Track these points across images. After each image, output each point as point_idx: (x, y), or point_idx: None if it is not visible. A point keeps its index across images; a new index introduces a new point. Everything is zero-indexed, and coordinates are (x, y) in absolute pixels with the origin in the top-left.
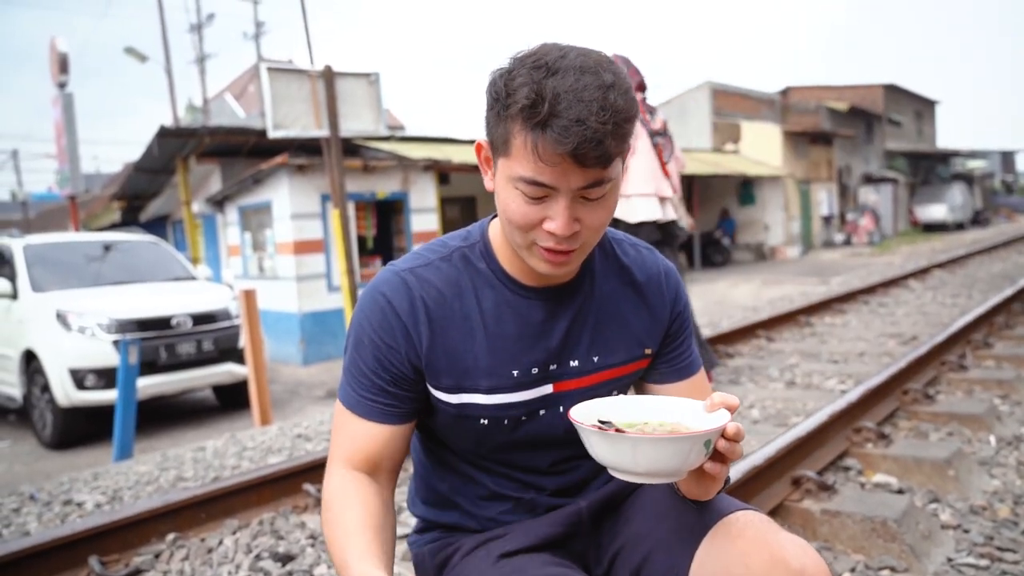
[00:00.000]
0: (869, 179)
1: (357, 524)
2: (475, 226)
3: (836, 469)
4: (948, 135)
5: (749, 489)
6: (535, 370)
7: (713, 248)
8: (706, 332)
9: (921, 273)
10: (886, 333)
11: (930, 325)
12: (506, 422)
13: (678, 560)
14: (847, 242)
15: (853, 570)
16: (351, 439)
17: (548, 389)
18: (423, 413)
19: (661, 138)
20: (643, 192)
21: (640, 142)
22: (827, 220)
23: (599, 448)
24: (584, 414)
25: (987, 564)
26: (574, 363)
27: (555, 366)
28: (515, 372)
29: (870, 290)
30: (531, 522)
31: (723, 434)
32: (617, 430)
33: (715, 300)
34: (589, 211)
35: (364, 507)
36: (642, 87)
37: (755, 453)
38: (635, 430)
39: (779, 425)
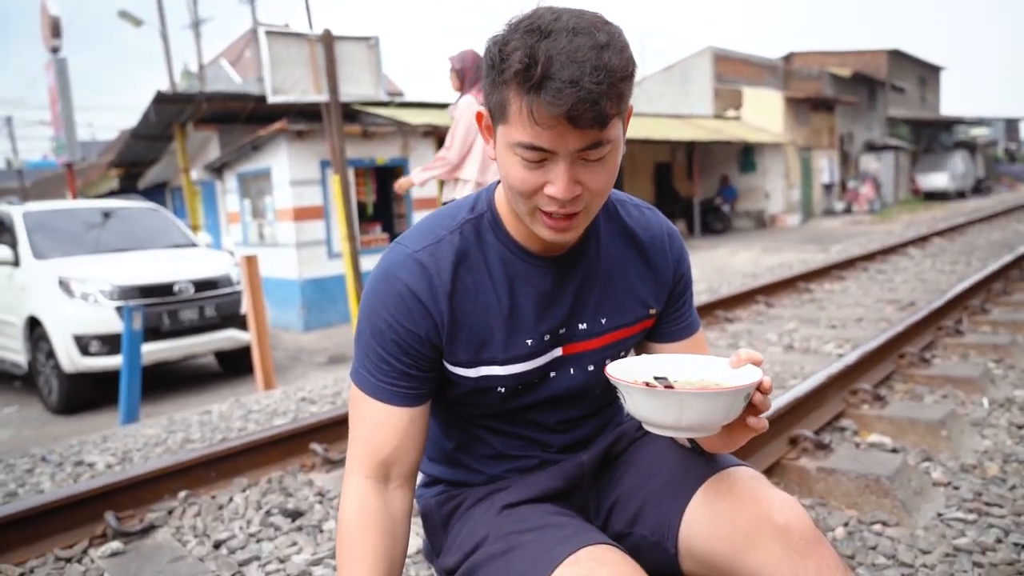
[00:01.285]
0: (871, 147)
1: (368, 558)
2: (481, 193)
3: (832, 429)
4: (952, 102)
5: (747, 448)
6: (547, 336)
7: (713, 215)
8: (705, 298)
9: (920, 241)
10: (884, 299)
11: (928, 292)
12: (520, 387)
13: (670, 513)
14: (847, 210)
15: (846, 524)
16: (371, 430)
17: (558, 352)
18: (439, 387)
19: None
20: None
21: (460, 127)
22: (828, 188)
23: (643, 404)
24: (624, 372)
25: (975, 519)
26: (583, 326)
27: (564, 330)
28: (529, 341)
29: (869, 257)
30: (534, 475)
31: (759, 387)
32: (667, 386)
33: (715, 267)
34: (590, 173)
35: (376, 550)
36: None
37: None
38: (680, 387)
39: (777, 387)
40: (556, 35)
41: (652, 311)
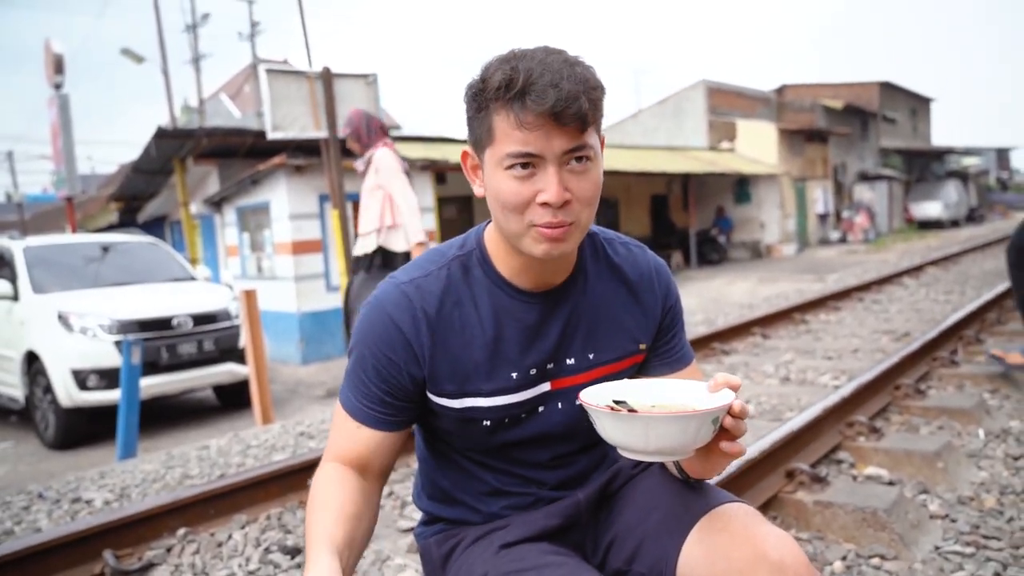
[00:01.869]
0: (864, 176)
1: (331, 510)
2: (471, 233)
3: (829, 462)
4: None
5: (744, 481)
6: (533, 371)
7: (709, 246)
8: (702, 329)
9: (915, 270)
10: (880, 330)
11: (923, 322)
12: (507, 420)
13: (667, 550)
14: (843, 240)
15: (844, 558)
16: (347, 440)
17: (546, 387)
18: (424, 417)
19: (408, 176)
20: (406, 221)
21: (396, 179)
22: (823, 218)
23: (611, 429)
24: (594, 397)
25: (972, 552)
26: (570, 361)
27: (552, 365)
28: (514, 375)
29: (865, 287)
30: (531, 514)
31: (729, 411)
32: (630, 410)
33: (711, 298)
34: (577, 182)
35: (344, 496)
36: (385, 131)
37: (750, 446)
38: (645, 411)
39: (774, 420)
40: (530, 56)
41: (642, 346)
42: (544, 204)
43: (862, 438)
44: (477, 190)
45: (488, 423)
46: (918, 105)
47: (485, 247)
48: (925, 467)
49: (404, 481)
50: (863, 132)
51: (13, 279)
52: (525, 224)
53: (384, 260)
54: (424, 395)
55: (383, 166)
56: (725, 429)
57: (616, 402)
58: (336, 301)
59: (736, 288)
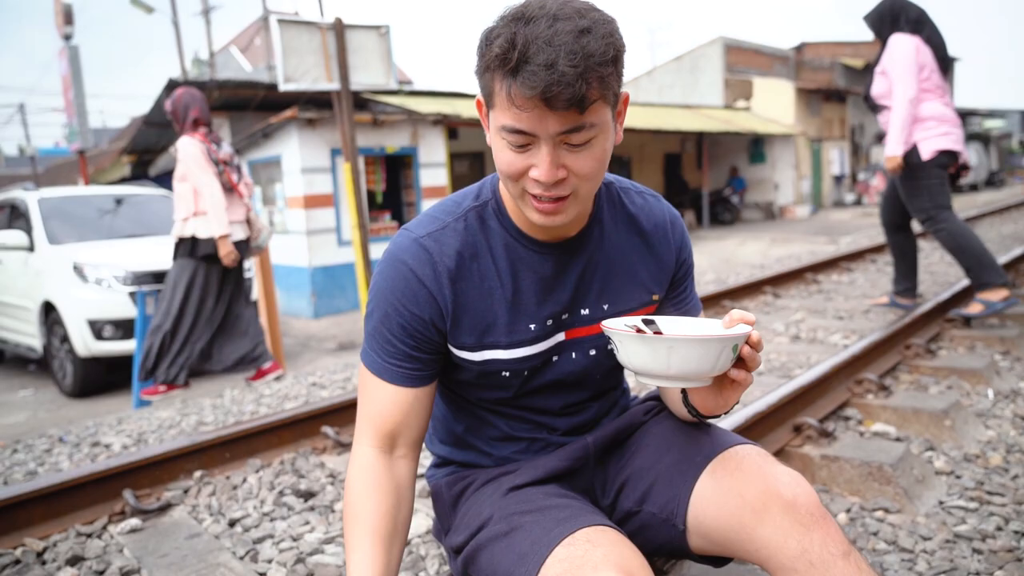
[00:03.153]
0: (881, 138)
1: (368, 531)
2: (486, 182)
3: (837, 418)
4: (967, 94)
5: (752, 434)
6: (550, 321)
7: (722, 206)
8: (712, 288)
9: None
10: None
11: (937, 284)
12: (525, 372)
13: (679, 491)
14: (858, 202)
15: (848, 511)
16: (378, 405)
17: (560, 337)
18: (443, 369)
19: (228, 166)
20: (208, 211)
21: (198, 169)
22: (838, 180)
23: (634, 352)
24: (617, 323)
25: (976, 507)
26: (585, 311)
27: (567, 315)
28: (532, 326)
29: (878, 249)
30: (540, 458)
31: (747, 341)
32: (656, 332)
33: (723, 258)
34: (574, 158)
35: (382, 507)
36: (202, 122)
37: (758, 400)
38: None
39: (783, 377)
40: (537, 21)
41: (655, 297)
42: (536, 180)
43: (870, 395)
44: (488, 139)
45: (507, 374)
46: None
47: (500, 197)
48: (932, 425)
49: None
50: None
51: (28, 230)
52: (520, 190)
53: (193, 247)
54: (447, 347)
55: (184, 156)
56: (741, 359)
57: (644, 322)
58: (349, 256)
59: (748, 249)
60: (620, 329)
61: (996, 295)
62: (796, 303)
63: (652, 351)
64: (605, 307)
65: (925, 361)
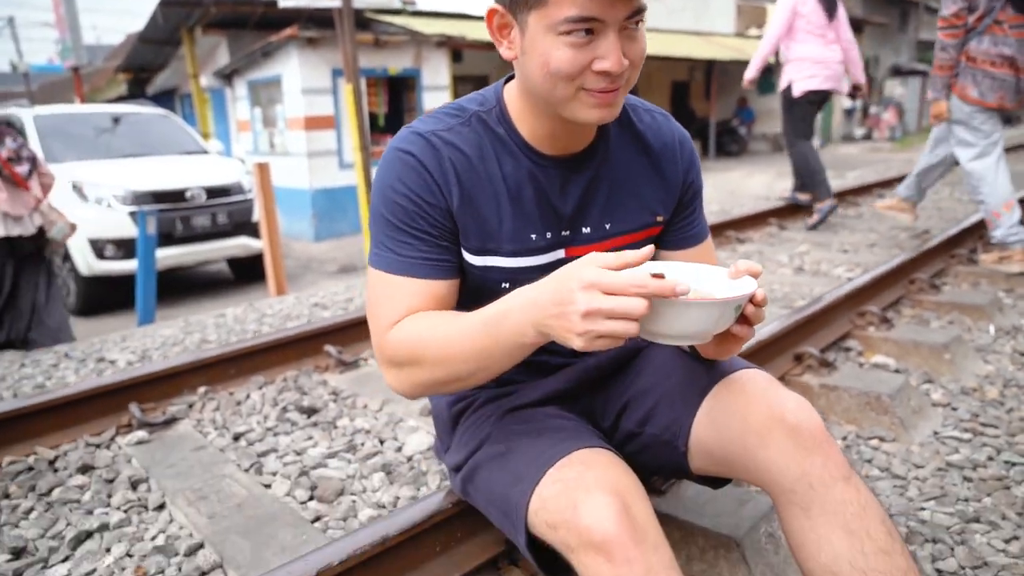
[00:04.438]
0: (897, 71)
1: (454, 318)
2: (489, 90)
3: (838, 349)
4: None
5: (753, 361)
6: (549, 234)
7: (729, 137)
8: (717, 218)
9: None
10: (899, 227)
11: (944, 221)
12: (523, 285)
13: (682, 412)
14: (867, 136)
15: (844, 438)
16: (404, 302)
17: (561, 254)
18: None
19: (18, 164)
20: None
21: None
22: (849, 113)
23: None
24: None
25: (969, 438)
26: (586, 229)
27: (568, 232)
28: (533, 236)
29: (886, 184)
30: (541, 380)
31: (751, 299)
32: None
33: (729, 189)
34: (631, 45)
35: (441, 314)
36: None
37: (761, 330)
38: None
39: (785, 307)
40: None
41: (659, 219)
42: (601, 72)
43: (872, 328)
44: (506, 52)
45: (507, 285)
46: None
47: (506, 107)
48: (932, 358)
49: None
50: (902, 23)
51: None
52: (574, 89)
53: None
54: (459, 242)
55: None
56: (744, 316)
57: (652, 275)
58: (350, 179)
59: (754, 181)
60: None
61: (825, 204)
62: (801, 235)
63: (653, 312)
64: (607, 226)
65: (929, 296)
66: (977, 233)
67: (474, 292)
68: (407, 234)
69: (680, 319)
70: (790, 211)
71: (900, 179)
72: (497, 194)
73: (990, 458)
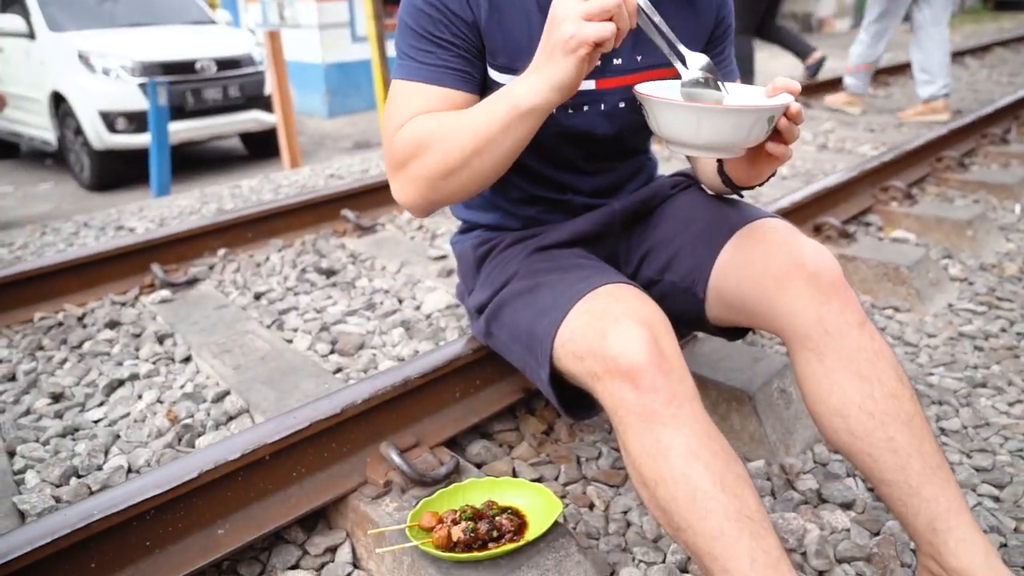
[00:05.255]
0: None
1: (457, 111)
2: None
3: (858, 222)
4: None
5: None
6: None
7: None
8: None
9: (981, 51)
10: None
11: (978, 102)
12: (553, 112)
13: (702, 259)
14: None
15: None
16: (419, 107)
17: (591, 85)
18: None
19: None
20: None
21: None
22: None
23: (663, 118)
24: (651, 89)
25: (984, 310)
26: (617, 60)
27: (599, 61)
28: None
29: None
30: (566, 221)
31: (786, 113)
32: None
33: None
34: None
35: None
36: None
37: (781, 199)
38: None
39: (807, 182)
40: None
41: None
42: None
43: (895, 203)
44: None
45: None
46: None
47: None
48: (954, 234)
49: (433, 216)
50: None
51: (26, 16)
52: None
53: None
54: (484, 58)
55: None
56: (778, 131)
57: (704, 76)
58: (363, 52)
59: (780, 62)
60: (650, 95)
61: (811, 60)
62: (826, 114)
63: (682, 119)
64: (639, 58)
65: (955, 174)
66: (1012, 114)
67: None
68: (430, 42)
69: (713, 125)
70: (814, 88)
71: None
72: (527, 10)
73: (1003, 329)
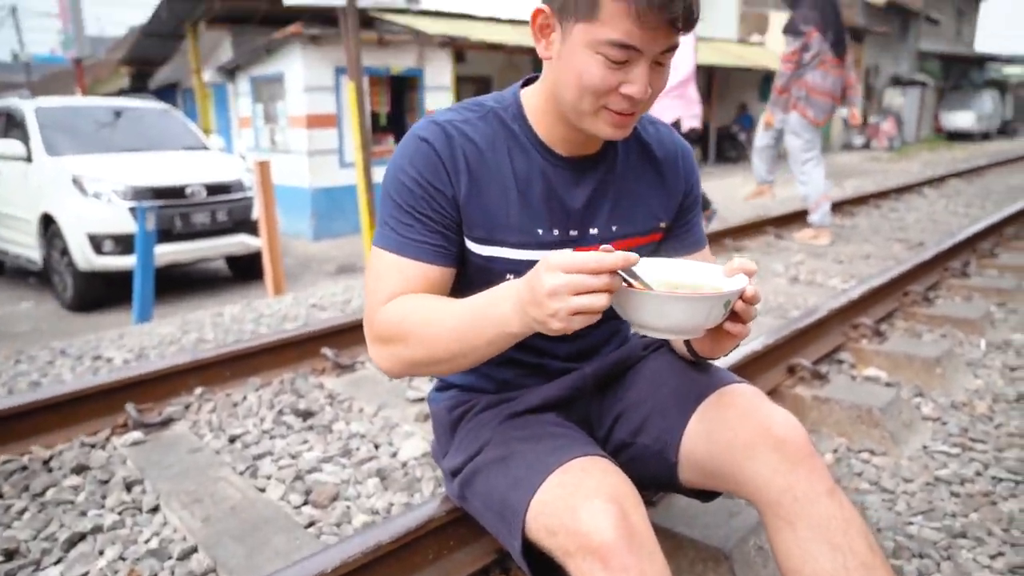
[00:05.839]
0: (897, 81)
1: (443, 301)
2: (506, 92)
3: (830, 361)
4: (989, 38)
5: (746, 373)
6: (556, 231)
7: (729, 143)
8: (715, 226)
9: (937, 181)
10: (894, 238)
11: (939, 233)
12: None
13: (673, 424)
14: (866, 145)
15: (835, 451)
16: (398, 281)
17: None
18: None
19: None
20: None
21: None
22: (848, 122)
23: (626, 305)
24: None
25: (958, 452)
26: (594, 231)
27: (575, 232)
28: (540, 231)
29: (882, 195)
30: (540, 386)
31: (742, 296)
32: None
33: (726, 195)
34: (656, 77)
35: (432, 297)
36: None
37: (755, 340)
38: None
39: (779, 318)
40: None
41: (662, 224)
42: (627, 95)
43: (865, 340)
44: (542, 51)
45: (510, 276)
46: (965, 6)
47: (522, 106)
48: (924, 372)
49: None
50: (902, 33)
51: (25, 140)
52: (598, 106)
53: None
54: (462, 232)
55: None
56: (736, 312)
57: (631, 275)
58: (350, 178)
59: (751, 188)
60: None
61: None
62: (797, 245)
63: (642, 306)
64: (614, 228)
65: (922, 309)
66: (971, 246)
67: (478, 281)
68: (410, 216)
69: (670, 312)
70: (786, 220)
71: (897, 190)
72: (506, 188)
73: (978, 473)
